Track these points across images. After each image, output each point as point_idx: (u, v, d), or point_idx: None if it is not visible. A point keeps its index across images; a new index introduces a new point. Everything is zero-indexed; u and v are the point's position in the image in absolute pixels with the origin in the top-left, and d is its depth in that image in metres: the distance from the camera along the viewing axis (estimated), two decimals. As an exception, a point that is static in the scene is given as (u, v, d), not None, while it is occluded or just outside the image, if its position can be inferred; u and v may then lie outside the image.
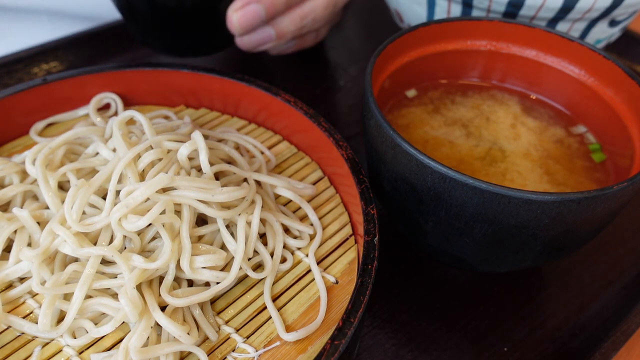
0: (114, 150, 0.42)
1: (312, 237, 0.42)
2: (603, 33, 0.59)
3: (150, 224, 0.37)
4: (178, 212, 0.38)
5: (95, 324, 0.36)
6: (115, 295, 0.36)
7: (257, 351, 0.36)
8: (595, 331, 0.46)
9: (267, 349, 0.36)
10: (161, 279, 0.38)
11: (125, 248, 0.38)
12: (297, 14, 0.57)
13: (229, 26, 0.56)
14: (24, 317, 0.37)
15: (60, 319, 0.36)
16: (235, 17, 0.54)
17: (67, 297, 0.37)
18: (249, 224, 0.39)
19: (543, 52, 0.51)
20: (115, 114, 0.50)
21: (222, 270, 0.39)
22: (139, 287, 0.36)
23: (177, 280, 0.38)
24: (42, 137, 0.48)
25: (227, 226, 0.40)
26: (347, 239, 0.43)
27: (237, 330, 0.37)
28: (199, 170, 0.41)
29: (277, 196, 0.45)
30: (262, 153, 0.48)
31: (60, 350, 0.35)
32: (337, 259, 0.41)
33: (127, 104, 0.52)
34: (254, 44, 0.58)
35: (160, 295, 0.36)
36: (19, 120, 0.48)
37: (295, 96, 0.48)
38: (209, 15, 0.57)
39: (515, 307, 0.48)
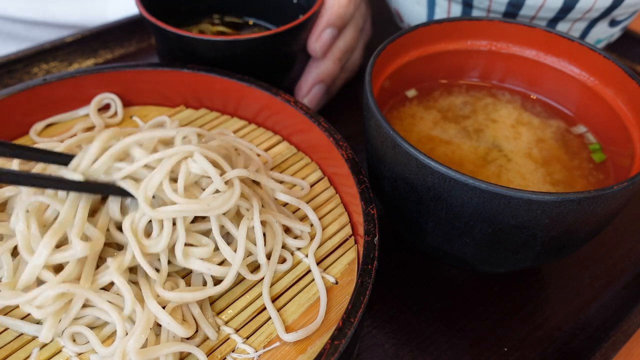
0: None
1: (312, 238, 0.42)
2: (603, 33, 0.59)
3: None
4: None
5: (95, 328, 0.36)
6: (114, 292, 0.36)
7: (256, 352, 0.36)
8: (595, 331, 0.46)
9: (267, 349, 0.36)
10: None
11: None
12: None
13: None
14: (22, 319, 0.36)
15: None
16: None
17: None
18: (250, 229, 0.39)
19: (543, 52, 0.51)
20: (115, 114, 0.50)
21: (219, 265, 0.39)
22: (135, 283, 0.36)
23: (176, 281, 0.38)
24: (42, 137, 0.48)
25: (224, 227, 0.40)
26: (347, 239, 0.43)
27: (237, 331, 0.37)
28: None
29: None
30: (259, 156, 0.48)
31: (60, 351, 0.35)
32: (337, 259, 0.41)
33: (127, 104, 0.52)
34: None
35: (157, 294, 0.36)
36: (19, 120, 0.48)
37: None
38: None
39: (515, 307, 0.48)
